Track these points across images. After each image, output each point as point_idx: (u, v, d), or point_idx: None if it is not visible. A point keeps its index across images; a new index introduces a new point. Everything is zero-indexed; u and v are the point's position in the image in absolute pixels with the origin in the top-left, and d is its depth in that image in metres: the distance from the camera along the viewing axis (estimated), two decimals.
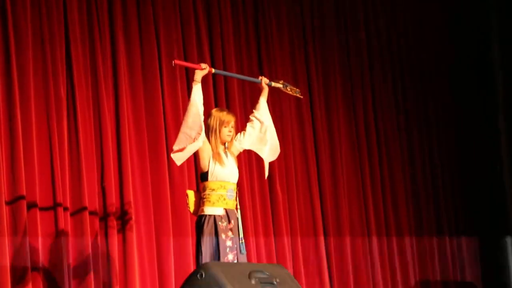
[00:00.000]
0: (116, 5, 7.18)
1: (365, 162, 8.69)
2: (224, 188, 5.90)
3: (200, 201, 5.93)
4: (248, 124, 6.14)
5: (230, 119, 5.97)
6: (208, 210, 5.87)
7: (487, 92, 9.77)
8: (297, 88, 6.44)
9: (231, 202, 5.92)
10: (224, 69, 7.62)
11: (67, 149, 6.67)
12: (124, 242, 6.83)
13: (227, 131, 5.96)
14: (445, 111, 9.56)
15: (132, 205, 6.90)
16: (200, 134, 5.76)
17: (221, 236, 5.80)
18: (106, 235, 6.76)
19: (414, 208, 9.03)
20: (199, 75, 5.92)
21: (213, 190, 5.89)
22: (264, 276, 5.09)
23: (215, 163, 5.90)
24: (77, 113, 6.76)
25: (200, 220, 5.87)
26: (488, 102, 9.76)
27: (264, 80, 6.21)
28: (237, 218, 5.93)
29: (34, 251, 6.37)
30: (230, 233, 5.85)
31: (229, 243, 5.83)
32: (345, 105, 8.68)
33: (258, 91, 6.30)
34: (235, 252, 5.86)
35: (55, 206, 6.53)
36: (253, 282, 5.00)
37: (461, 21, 9.83)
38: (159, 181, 7.15)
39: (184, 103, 7.28)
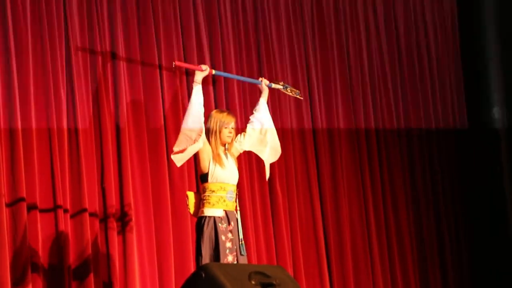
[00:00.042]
0: (116, 7, 7.19)
1: (365, 164, 8.68)
2: (224, 189, 5.90)
3: (200, 202, 5.93)
4: (248, 125, 6.15)
5: (230, 120, 5.98)
6: (208, 211, 5.87)
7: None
8: (297, 89, 6.45)
9: (231, 203, 5.92)
10: (224, 71, 7.63)
11: (67, 151, 6.68)
12: (124, 243, 6.82)
13: (227, 132, 5.97)
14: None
15: (132, 207, 6.90)
16: (200, 135, 5.76)
17: (221, 237, 5.81)
18: (106, 236, 6.76)
19: (414, 214, 9.02)
20: (199, 76, 5.93)
21: (213, 191, 5.89)
22: (264, 277, 5.08)
23: (215, 165, 5.90)
24: (77, 115, 6.77)
25: (200, 221, 5.87)
26: None
27: (264, 81, 6.22)
28: (237, 220, 5.93)
29: (34, 252, 6.37)
30: (230, 235, 5.85)
31: (228, 244, 5.83)
32: (345, 107, 8.67)
33: (258, 92, 6.31)
34: (235, 253, 5.86)
35: (55, 208, 6.53)
36: (253, 283, 4.98)
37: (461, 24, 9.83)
38: (159, 182, 7.15)
39: (184, 104, 7.28)
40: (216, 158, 5.91)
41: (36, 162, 6.49)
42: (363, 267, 8.44)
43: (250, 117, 6.18)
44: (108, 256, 6.74)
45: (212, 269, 4.93)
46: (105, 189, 6.82)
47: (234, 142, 6.06)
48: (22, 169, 6.37)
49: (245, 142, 6.12)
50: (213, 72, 6.12)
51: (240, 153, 6.17)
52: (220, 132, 5.96)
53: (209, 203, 5.88)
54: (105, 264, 6.72)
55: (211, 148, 5.93)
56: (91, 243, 6.63)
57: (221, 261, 5.73)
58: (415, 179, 9.14)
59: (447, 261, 9.17)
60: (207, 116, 5.94)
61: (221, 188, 5.90)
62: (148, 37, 7.36)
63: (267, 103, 6.24)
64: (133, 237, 6.86)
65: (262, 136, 6.14)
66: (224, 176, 5.91)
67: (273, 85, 6.29)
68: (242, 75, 7.77)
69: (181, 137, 5.80)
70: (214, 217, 5.85)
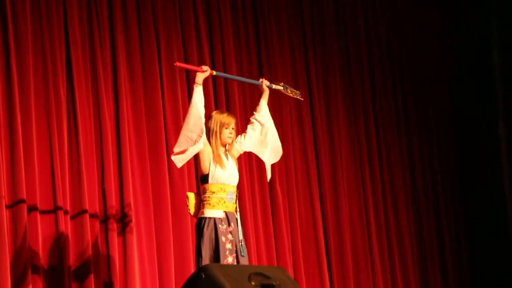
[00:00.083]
0: (116, 8, 7.18)
1: (365, 165, 8.69)
2: (224, 191, 5.90)
3: (200, 203, 5.93)
4: (249, 126, 6.15)
5: (230, 121, 5.97)
6: (208, 212, 5.86)
7: (487, 99, 9.78)
8: (297, 90, 6.45)
9: (231, 205, 5.92)
10: (224, 71, 7.64)
11: (67, 152, 6.67)
12: (124, 245, 6.82)
13: (228, 133, 5.96)
14: (445, 117, 9.55)
15: (132, 208, 6.89)
16: (201, 136, 5.75)
17: (221, 239, 5.80)
18: (106, 237, 6.76)
19: (414, 214, 9.03)
20: (200, 77, 5.92)
21: (213, 192, 5.88)
22: (264, 278, 5.08)
23: (215, 166, 5.90)
24: (77, 116, 6.76)
25: (200, 222, 5.87)
26: (488, 108, 9.76)
27: (265, 82, 6.21)
28: (237, 220, 5.92)
29: (34, 254, 6.37)
30: (230, 236, 5.85)
31: (228, 245, 5.83)
32: (345, 110, 8.68)
33: (258, 93, 6.31)
34: (235, 254, 5.86)
35: (55, 209, 6.52)
36: (253, 284, 4.98)
37: (461, 28, 9.84)
38: (159, 183, 7.15)
39: (184, 105, 7.29)
40: (217, 159, 5.91)
41: (36, 162, 6.48)
42: (363, 267, 8.45)
43: (251, 118, 6.18)
44: (108, 257, 6.73)
45: (212, 270, 4.93)
46: (105, 189, 6.82)
47: (234, 143, 6.06)
48: (22, 171, 6.36)
49: (246, 143, 6.12)
50: (214, 73, 6.11)
51: (240, 154, 6.17)
52: (220, 133, 5.96)
53: (209, 204, 5.87)
54: (105, 265, 6.72)
55: (212, 149, 5.93)
56: (91, 244, 6.62)
57: (221, 262, 5.72)
58: (415, 179, 9.16)
59: (447, 261, 9.18)
60: (207, 117, 5.93)
61: (221, 189, 5.89)
62: (148, 37, 7.35)
63: (267, 104, 6.23)
64: (133, 238, 6.85)
65: (263, 137, 6.13)
66: (224, 177, 5.90)
67: (274, 86, 6.29)
68: (242, 75, 7.77)
69: (181, 138, 5.79)
70: (214, 218, 5.85)
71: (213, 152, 5.92)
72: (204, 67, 5.99)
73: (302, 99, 6.60)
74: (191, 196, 5.96)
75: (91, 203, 6.71)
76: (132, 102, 7.18)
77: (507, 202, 9.62)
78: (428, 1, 9.59)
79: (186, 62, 7.43)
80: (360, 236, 8.49)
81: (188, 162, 6.03)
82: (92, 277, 6.58)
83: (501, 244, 9.56)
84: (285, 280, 5.21)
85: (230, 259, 5.80)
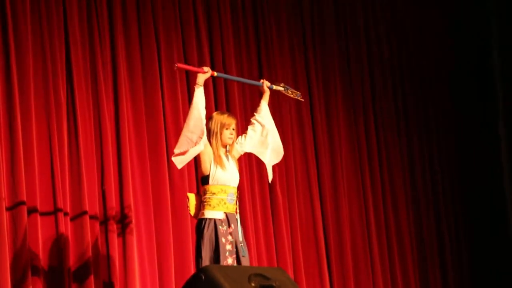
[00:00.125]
0: (116, 8, 7.18)
1: (365, 166, 8.69)
2: (225, 192, 5.89)
3: (200, 204, 5.93)
4: (249, 127, 6.15)
5: (231, 122, 5.97)
6: (209, 213, 5.86)
7: (487, 99, 9.78)
8: (297, 90, 6.45)
9: (231, 206, 5.92)
10: (224, 71, 7.64)
11: (67, 153, 6.67)
12: (124, 246, 6.81)
13: (229, 133, 5.96)
14: (445, 117, 9.55)
15: (132, 209, 6.89)
16: (201, 138, 5.75)
17: (221, 240, 5.80)
18: (106, 238, 6.75)
19: (414, 214, 9.03)
20: (201, 78, 5.92)
21: (214, 194, 5.88)
22: (264, 279, 5.08)
23: (216, 167, 5.90)
24: (77, 117, 6.76)
25: (200, 223, 5.87)
26: (488, 108, 9.76)
27: (266, 83, 6.21)
28: (237, 221, 5.92)
29: (34, 255, 6.36)
30: (230, 237, 5.85)
31: (228, 247, 5.83)
32: (345, 110, 8.68)
33: (258, 93, 6.31)
34: (235, 256, 5.86)
35: (55, 211, 6.52)
36: (252, 285, 4.98)
37: (461, 28, 9.83)
38: (159, 184, 7.14)
39: (184, 106, 7.29)
40: (217, 160, 5.90)
41: (36, 163, 6.48)
42: (363, 267, 8.45)
43: (251, 119, 6.17)
44: (108, 258, 6.72)
45: (212, 271, 4.92)
46: (105, 191, 6.82)
47: (235, 143, 6.06)
48: (22, 172, 6.35)
49: (246, 144, 6.11)
50: (215, 74, 6.11)
51: (241, 155, 6.17)
52: (221, 133, 5.96)
53: (210, 205, 5.87)
54: (105, 266, 6.71)
55: (212, 149, 5.93)
56: (91, 245, 6.61)
57: (221, 264, 5.72)
58: (415, 179, 9.16)
59: (447, 261, 9.18)
60: (207, 117, 5.93)
61: (222, 190, 5.89)
62: (148, 37, 7.35)
63: (268, 104, 6.23)
64: (133, 239, 6.85)
65: (263, 138, 6.13)
66: (225, 178, 5.90)
67: (274, 87, 6.29)
68: (242, 75, 7.78)
69: (182, 139, 5.79)
70: (214, 219, 5.84)
71: (213, 153, 5.92)
72: (205, 68, 5.99)
73: (302, 100, 6.60)
74: (192, 197, 5.96)
75: (91, 204, 6.71)
76: (132, 102, 7.17)
77: (507, 202, 9.62)
78: (428, 1, 9.59)
79: (186, 62, 7.43)
80: (360, 236, 8.49)
81: (188, 163, 6.02)
82: (92, 278, 6.57)
83: (501, 244, 9.56)
84: (285, 281, 5.20)
85: (230, 260, 5.80)
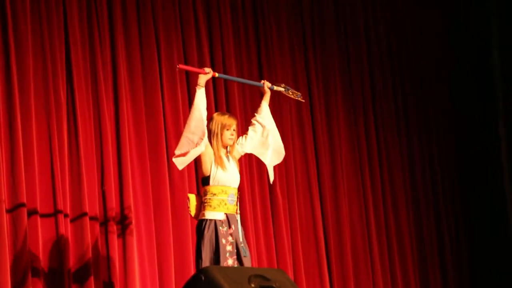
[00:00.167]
0: (116, 9, 7.18)
1: (365, 166, 8.69)
2: (226, 193, 5.89)
3: (201, 205, 5.93)
4: (250, 128, 6.14)
5: (231, 123, 5.97)
6: (209, 214, 5.86)
7: (487, 98, 9.78)
8: (297, 91, 6.45)
9: (232, 207, 5.91)
10: (224, 72, 7.63)
11: (67, 154, 6.66)
12: (124, 247, 6.81)
13: (229, 134, 5.96)
14: (445, 117, 9.55)
15: (132, 210, 6.89)
16: (202, 139, 5.74)
17: (221, 241, 5.80)
18: (106, 239, 6.74)
19: (414, 214, 9.03)
20: (202, 79, 5.91)
21: (214, 194, 5.88)
22: (264, 280, 5.07)
23: (217, 168, 5.89)
24: (77, 117, 6.75)
25: (200, 224, 5.86)
26: (488, 108, 9.76)
27: (267, 84, 6.21)
28: (237, 222, 5.92)
29: (34, 257, 6.36)
30: (230, 238, 5.84)
31: (229, 248, 5.82)
32: (345, 110, 8.69)
33: (258, 94, 6.30)
34: (235, 257, 5.85)
35: (55, 212, 6.51)
36: (252, 286, 4.97)
37: (461, 27, 9.83)
38: (159, 185, 7.14)
39: (184, 106, 7.29)
40: (218, 161, 5.90)
41: (36, 164, 6.47)
42: (363, 267, 8.45)
43: (252, 120, 6.17)
44: (108, 259, 6.72)
45: (211, 272, 4.92)
46: (105, 191, 6.81)
47: (235, 144, 6.06)
48: (22, 173, 6.35)
49: (247, 145, 6.11)
50: (217, 75, 6.11)
51: (241, 156, 6.16)
52: (221, 134, 5.95)
53: (210, 206, 5.87)
54: (105, 267, 6.71)
55: (213, 150, 5.92)
56: (91, 246, 6.61)
57: (221, 264, 5.71)
58: (415, 179, 9.16)
59: (447, 261, 9.19)
60: (208, 118, 5.92)
61: (223, 191, 5.89)
62: (148, 37, 7.35)
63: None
64: (133, 240, 6.85)
65: (264, 139, 6.12)
66: (225, 179, 5.90)
67: (275, 88, 6.28)
68: (242, 75, 7.77)
69: (183, 140, 5.78)
70: (215, 220, 5.84)
71: (214, 153, 5.92)
72: (207, 69, 5.98)
73: (303, 100, 6.59)
74: (192, 198, 5.96)
75: (91, 205, 6.70)
76: (132, 102, 7.17)
77: (507, 202, 9.62)
78: (428, 1, 9.59)
79: (186, 62, 7.43)
80: (360, 236, 8.49)
81: (188, 164, 6.03)
82: (92, 279, 6.56)
83: (501, 244, 9.56)
84: (285, 282, 5.20)
85: (230, 261, 5.80)
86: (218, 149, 5.93)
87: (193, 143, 5.75)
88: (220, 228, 5.82)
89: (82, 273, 6.56)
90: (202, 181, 5.96)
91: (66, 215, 6.56)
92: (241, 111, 7.72)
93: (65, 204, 6.57)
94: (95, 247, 6.66)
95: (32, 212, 6.39)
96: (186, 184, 7.21)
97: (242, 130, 6.31)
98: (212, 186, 5.88)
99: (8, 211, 6.28)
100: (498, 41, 9.74)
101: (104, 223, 6.78)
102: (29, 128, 6.49)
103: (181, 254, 7.11)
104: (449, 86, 9.68)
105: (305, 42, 8.51)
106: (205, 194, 5.89)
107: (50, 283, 6.44)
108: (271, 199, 7.87)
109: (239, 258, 5.87)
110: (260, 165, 7.49)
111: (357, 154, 8.68)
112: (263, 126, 6.12)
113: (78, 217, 6.62)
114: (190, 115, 5.80)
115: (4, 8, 6.55)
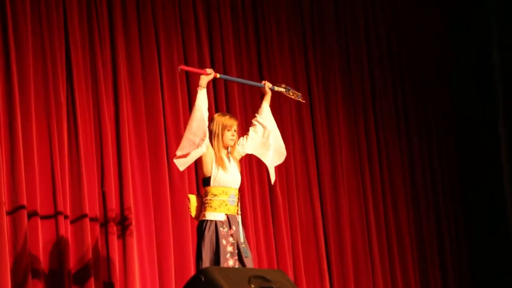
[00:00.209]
0: (116, 9, 7.17)
1: (365, 166, 8.70)
2: (226, 193, 5.89)
3: (201, 205, 5.92)
4: (251, 129, 6.14)
5: (232, 123, 5.96)
6: (210, 215, 5.85)
7: (487, 98, 9.78)
8: (298, 91, 6.45)
9: (233, 207, 5.91)
10: (224, 72, 7.63)
11: (67, 154, 6.66)
12: (124, 247, 6.81)
13: (230, 135, 5.95)
14: (445, 117, 9.55)
15: (132, 210, 6.88)
16: (203, 140, 5.74)
17: (222, 241, 5.79)
18: (106, 240, 6.74)
19: (414, 214, 9.03)
20: (204, 80, 5.91)
21: (215, 195, 5.87)
22: (264, 281, 5.08)
23: (218, 168, 5.89)
24: (77, 117, 6.75)
25: (201, 225, 5.86)
26: (488, 108, 9.76)
27: (267, 85, 6.21)
28: (238, 223, 5.92)
29: (34, 258, 6.35)
30: (231, 239, 5.84)
31: (229, 248, 5.82)
32: (345, 110, 8.69)
33: (258, 94, 6.30)
34: (236, 257, 5.85)
35: (55, 213, 6.50)
36: (252, 287, 4.98)
37: (461, 28, 9.83)
38: (159, 185, 7.14)
39: (184, 106, 7.29)
40: (219, 162, 5.89)
41: (37, 165, 6.47)
42: (363, 267, 8.45)
43: (253, 120, 6.17)
44: (109, 260, 6.71)
45: (212, 272, 4.92)
46: (105, 192, 6.81)
47: (236, 145, 6.05)
48: (22, 173, 6.34)
49: (248, 145, 6.10)
50: (218, 75, 6.10)
51: (242, 156, 6.16)
52: (222, 135, 5.94)
53: (211, 207, 5.86)
54: (105, 268, 6.70)
55: (214, 151, 5.92)
56: (91, 247, 6.61)
57: (221, 265, 5.71)
58: (415, 179, 9.16)
59: (447, 261, 9.19)
60: (209, 119, 5.92)
61: (223, 192, 5.88)
62: (148, 37, 7.35)
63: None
64: (133, 241, 6.84)
65: (265, 139, 6.12)
66: (226, 180, 5.89)
67: (276, 88, 6.29)
68: (242, 75, 7.78)
69: (184, 141, 5.78)
70: (215, 221, 5.84)
71: (215, 154, 5.91)
72: (208, 70, 5.98)
73: (304, 101, 6.59)
74: (193, 199, 5.95)
75: (91, 206, 6.69)
76: (132, 102, 7.17)
77: (507, 202, 9.62)
78: (428, 1, 9.59)
79: (186, 62, 7.43)
80: (360, 236, 8.49)
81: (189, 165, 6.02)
82: (92, 280, 6.56)
83: (501, 244, 9.56)
84: (285, 283, 5.20)
85: (231, 262, 5.79)
86: (219, 150, 5.93)
87: (194, 144, 5.75)
88: (221, 229, 5.81)
89: (82, 274, 6.56)
90: (202, 182, 5.95)
91: (66, 216, 6.56)
92: (241, 111, 7.72)
93: (65, 205, 6.57)
94: (95, 248, 6.66)
95: (32, 214, 6.39)
96: (186, 184, 7.20)
97: (242, 130, 6.31)
98: (213, 187, 5.88)
99: (8, 212, 6.28)
100: (498, 41, 9.74)
101: (104, 224, 6.77)
102: (29, 128, 6.49)
103: (181, 255, 7.11)
104: (449, 86, 9.68)
105: (305, 42, 8.51)
106: (206, 195, 5.89)
107: (51, 284, 6.44)
108: (271, 199, 7.87)
109: (240, 259, 5.86)
110: (260, 165, 7.49)
111: (357, 154, 8.68)
112: (264, 127, 6.11)
113: (78, 218, 6.62)
114: (191, 116, 5.79)
115: (4, 8, 6.55)
